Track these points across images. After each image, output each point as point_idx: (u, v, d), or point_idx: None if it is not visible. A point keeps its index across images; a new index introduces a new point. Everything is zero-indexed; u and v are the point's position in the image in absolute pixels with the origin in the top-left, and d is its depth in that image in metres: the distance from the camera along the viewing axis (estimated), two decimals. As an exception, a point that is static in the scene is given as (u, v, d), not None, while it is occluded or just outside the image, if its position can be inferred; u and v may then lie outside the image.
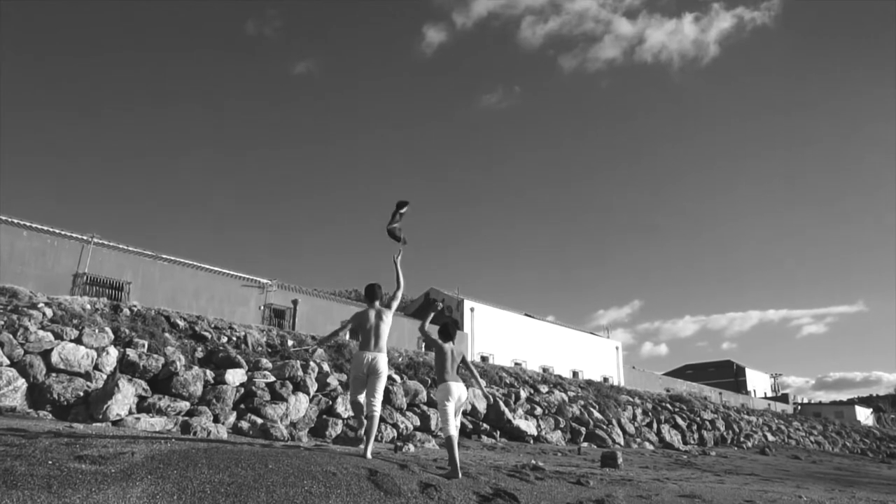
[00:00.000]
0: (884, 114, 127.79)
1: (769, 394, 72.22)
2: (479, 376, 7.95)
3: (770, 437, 33.36)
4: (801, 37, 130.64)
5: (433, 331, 7.43)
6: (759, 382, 73.42)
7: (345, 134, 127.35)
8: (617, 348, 47.39)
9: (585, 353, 43.62)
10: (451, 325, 7.45)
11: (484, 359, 33.88)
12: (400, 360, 18.45)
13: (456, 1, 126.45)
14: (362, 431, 6.74)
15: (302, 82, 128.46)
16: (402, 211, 7.73)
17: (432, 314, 8.23)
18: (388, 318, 7.06)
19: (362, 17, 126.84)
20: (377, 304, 7.18)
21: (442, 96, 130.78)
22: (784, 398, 67.08)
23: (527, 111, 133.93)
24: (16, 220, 20.65)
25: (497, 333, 37.59)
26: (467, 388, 8.62)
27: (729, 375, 71.62)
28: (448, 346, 7.15)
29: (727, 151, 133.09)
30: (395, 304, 7.29)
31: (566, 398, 22.03)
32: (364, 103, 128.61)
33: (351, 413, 12.58)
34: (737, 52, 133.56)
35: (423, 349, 23.61)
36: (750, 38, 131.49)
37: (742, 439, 29.51)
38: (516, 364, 32.48)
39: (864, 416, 67.95)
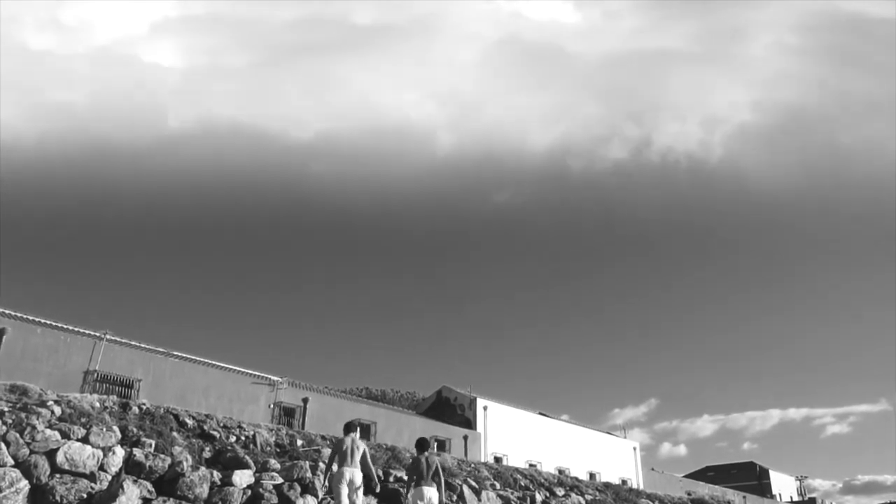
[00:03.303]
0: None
1: (795, 497, 69.21)
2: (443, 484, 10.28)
3: (800, 546, 31.67)
4: (805, 134, 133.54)
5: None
6: (784, 485, 70.51)
7: (358, 231, 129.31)
8: (635, 449, 45.98)
9: (602, 454, 42.30)
10: (424, 440, 10.23)
11: (498, 459, 32.87)
12: (409, 458, 17.95)
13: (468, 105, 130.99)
14: None
15: (315, 181, 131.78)
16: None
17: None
18: (361, 445, 10.06)
19: (373, 118, 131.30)
20: (353, 435, 10.17)
21: (454, 196, 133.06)
22: (812, 503, 64.22)
23: (537, 210, 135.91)
24: (30, 317, 20.82)
25: (511, 433, 36.66)
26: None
27: (752, 478, 68.93)
28: (422, 456, 9.45)
29: (740, 248, 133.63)
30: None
31: (584, 502, 21.19)
32: (377, 202, 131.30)
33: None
34: (742, 152, 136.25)
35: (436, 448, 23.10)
36: (755, 138, 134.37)
37: (770, 547, 28.05)
38: (531, 465, 31.46)
39: (899, 522, 64.66)
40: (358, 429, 10.51)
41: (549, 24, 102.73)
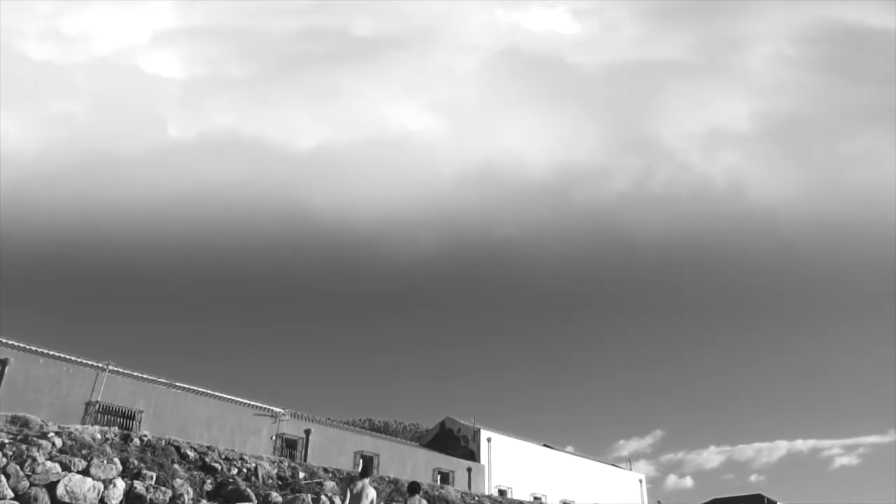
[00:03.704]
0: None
1: (805, 532, 68.00)
2: None
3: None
4: (804, 145, 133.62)
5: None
6: (793, 519, 69.36)
7: (361, 266, 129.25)
8: (640, 481, 45.35)
9: (608, 486, 41.70)
10: (415, 485, 11.28)
11: (502, 492, 32.41)
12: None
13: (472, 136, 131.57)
14: None
15: (316, 213, 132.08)
16: None
17: None
18: (371, 493, 10.35)
19: (374, 129, 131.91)
20: (367, 479, 10.61)
21: (458, 230, 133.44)
22: (822, 536, 63.06)
23: (540, 242, 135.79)
24: (33, 347, 20.75)
25: (515, 465, 36.20)
26: None
27: (760, 511, 67.85)
28: (414, 498, 10.60)
29: (746, 278, 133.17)
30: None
31: (590, 536, 20.86)
32: (381, 239, 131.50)
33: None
34: (743, 183, 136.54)
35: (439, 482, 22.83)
36: (757, 155, 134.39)
37: (780, 583, 27.52)
38: (536, 498, 31.09)
39: (910, 557, 63.40)
40: (369, 476, 10.97)
41: (549, 35, 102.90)
